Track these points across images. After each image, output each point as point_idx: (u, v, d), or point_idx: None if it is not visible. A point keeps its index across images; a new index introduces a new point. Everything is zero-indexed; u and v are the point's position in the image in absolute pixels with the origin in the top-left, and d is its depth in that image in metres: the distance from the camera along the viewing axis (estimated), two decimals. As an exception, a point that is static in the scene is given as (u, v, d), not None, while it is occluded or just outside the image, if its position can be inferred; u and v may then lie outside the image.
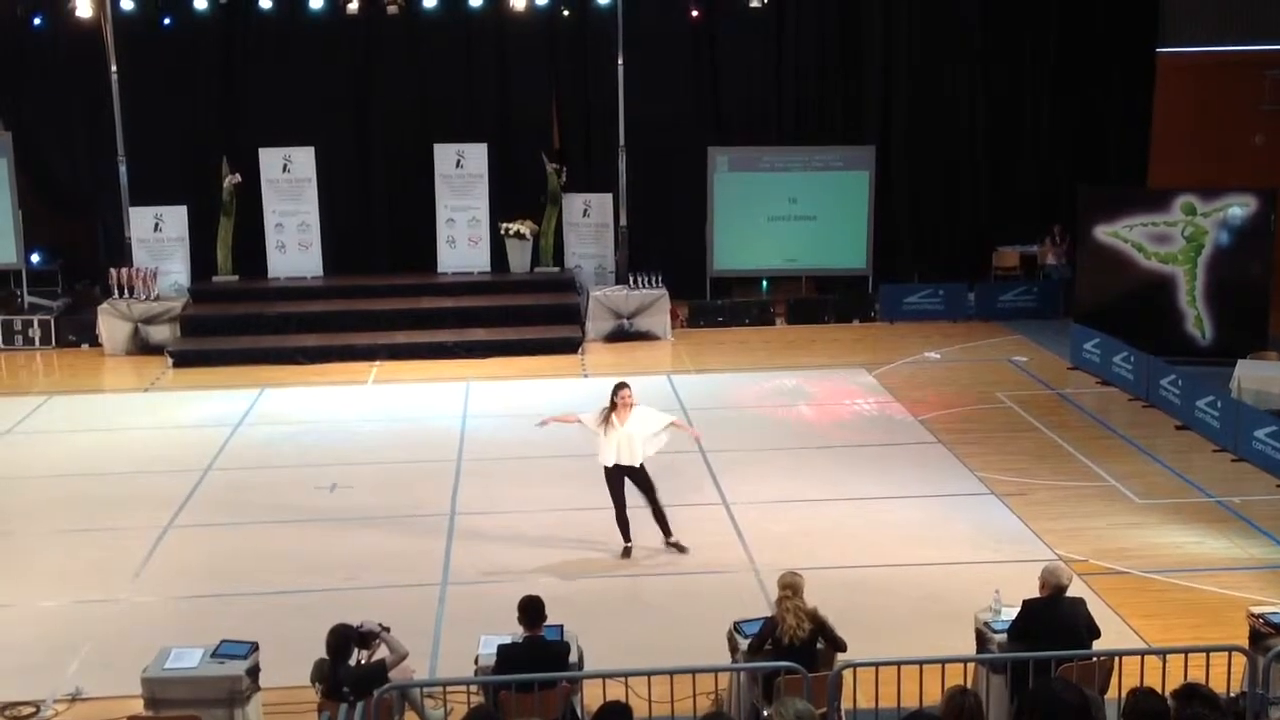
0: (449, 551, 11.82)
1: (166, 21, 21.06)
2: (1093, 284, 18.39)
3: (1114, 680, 7.83)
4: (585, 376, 18.26)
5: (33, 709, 9.03)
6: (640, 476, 11.36)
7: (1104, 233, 18.21)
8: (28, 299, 20.68)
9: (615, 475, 11.33)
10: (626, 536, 11.51)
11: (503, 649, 8.02)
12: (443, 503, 13.05)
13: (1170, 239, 17.86)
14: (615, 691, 7.77)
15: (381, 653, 8.14)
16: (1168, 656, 7.82)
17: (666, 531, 11.56)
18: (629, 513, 11.48)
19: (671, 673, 8.01)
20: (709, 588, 10.88)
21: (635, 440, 11.23)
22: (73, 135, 21.73)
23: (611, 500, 11.41)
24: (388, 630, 8.20)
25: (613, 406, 11.23)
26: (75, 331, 20.09)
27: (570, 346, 19.51)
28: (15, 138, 20.82)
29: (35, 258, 21.37)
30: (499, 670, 7.90)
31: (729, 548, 11.78)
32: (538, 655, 7.98)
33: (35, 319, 20.09)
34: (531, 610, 8.10)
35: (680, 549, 11.54)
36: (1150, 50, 22.18)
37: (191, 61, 21.57)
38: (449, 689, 8.38)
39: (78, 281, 21.64)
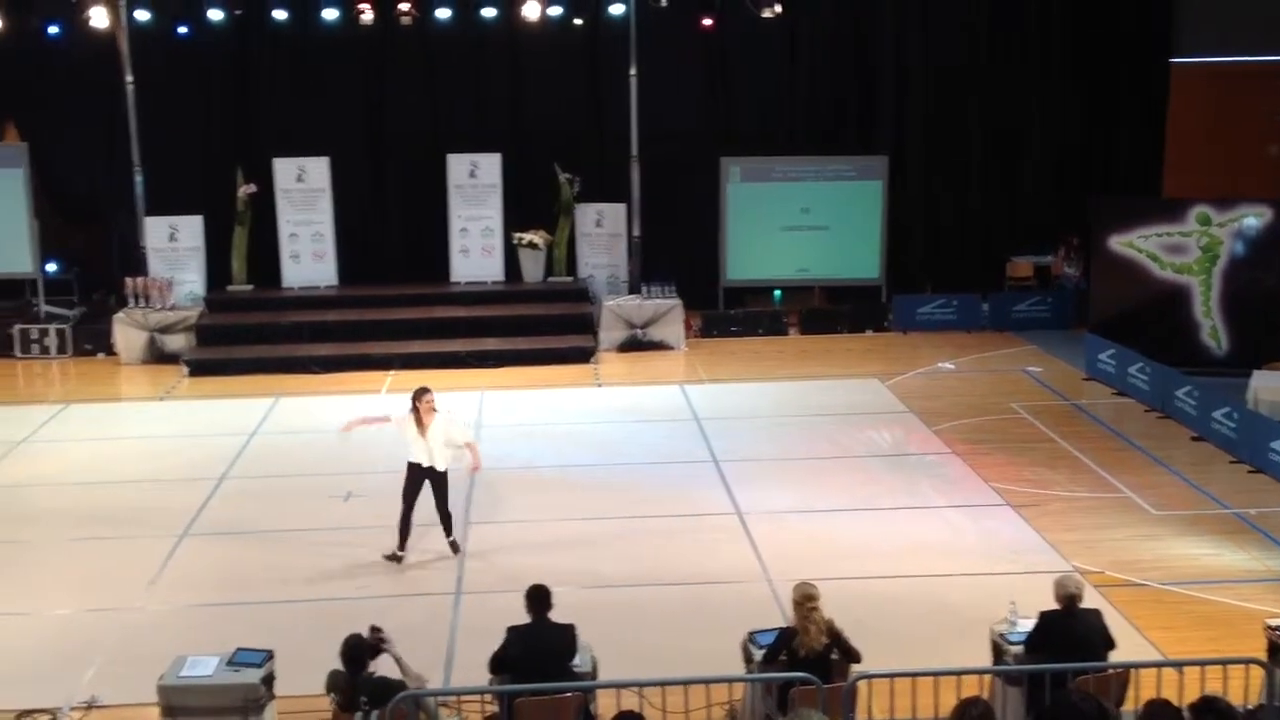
0: (463, 561, 11.83)
1: (182, 32, 21.13)
2: (1107, 294, 18.34)
3: (1130, 693, 7.80)
4: (599, 386, 18.27)
5: (49, 717, 9.07)
6: (439, 480, 11.75)
7: (1118, 243, 18.16)
8: (44, 308, 20.76)
9: (417, 474, 11.70)
10: (402, 545, 11.77)
11: (511, 629, 8.25)
12: (456, 512, 13.03)
13: (1185, 249, 17.81)
14: (629, 702, 7.76)
15: (395, 652, 8.19)
16: (1184, 669, 7.78)
17: (447, 530, 11.95)
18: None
19: (686, 683, 8.01)
20: (723, 598, 10.88)
21: (436, 447, 11.66)
22: (88, 145, 21.78)
23: (403, 500, 11.72)
24: (379, 631, 8.21)
25: (415, 410, 11.65)
26: (91, 340, 20.15)
27: (583, 356, 19.52)
28: (31, 148, 20.92)
29: (51, 267, 21.46)
30: (507, 651, 8.08)
31: (743, 558, 11.79)
32: (544, 636, 8.16)
33: (51, 328, 20.18)
34: (537, 598, 8.33)
35: (455, 549, 11.89)
36: (1164, 60, 22.14)
37: (206, 72, 21.67)
38: (463, 699, 8.39)
39: (93, 291, 21.68)
